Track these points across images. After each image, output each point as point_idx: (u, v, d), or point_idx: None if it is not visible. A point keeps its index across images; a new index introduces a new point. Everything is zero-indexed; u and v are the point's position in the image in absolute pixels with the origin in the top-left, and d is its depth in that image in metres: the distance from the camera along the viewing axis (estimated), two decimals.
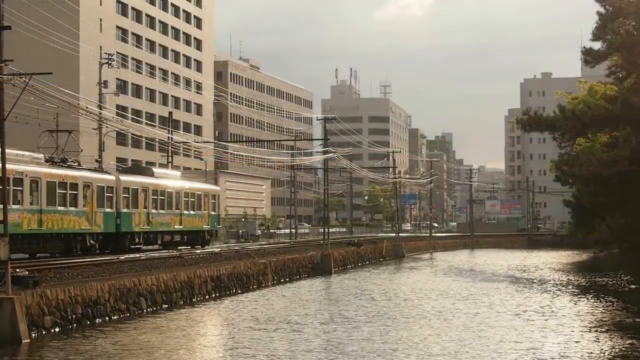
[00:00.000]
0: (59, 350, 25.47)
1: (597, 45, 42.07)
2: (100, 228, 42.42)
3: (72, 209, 39.92)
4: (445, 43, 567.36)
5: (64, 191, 39.45)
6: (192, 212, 52.43)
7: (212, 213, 55.67)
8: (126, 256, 40.53)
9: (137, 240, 46.46)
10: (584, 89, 57.46)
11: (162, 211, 48.62)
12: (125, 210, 44.72)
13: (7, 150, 35.78)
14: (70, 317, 29.18)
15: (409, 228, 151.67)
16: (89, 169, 45.37)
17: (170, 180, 51.67)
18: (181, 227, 51.13)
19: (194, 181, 60.90)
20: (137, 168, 57.21)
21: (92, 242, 42.23)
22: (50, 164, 40.19)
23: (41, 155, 40.35)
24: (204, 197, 54.50)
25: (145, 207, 46.69)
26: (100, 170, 49.20)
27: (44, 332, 27.49)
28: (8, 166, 32.95)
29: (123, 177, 45.99)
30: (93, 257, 39.20)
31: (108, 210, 43.13)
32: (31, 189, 36.86)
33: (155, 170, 53.03)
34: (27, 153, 39.16)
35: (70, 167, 41.61)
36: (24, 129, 66.95)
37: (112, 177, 44.86)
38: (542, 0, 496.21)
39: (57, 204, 38.73)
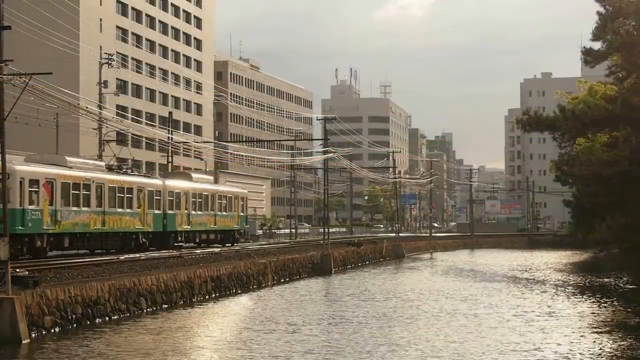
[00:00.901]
0: (58, 350, 25.46)
1: (597, 45, 42.09)
2: (150, 227, 47.42)
3: (128, 210, 45.07)
4: (445, 43, 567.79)
5: (122, 195, 44.52)
6: (224, 213, 57.53)
7: (241, 214, 60.76)
8: (126, 256, 40.66)
9: (179, 238, 51.50)
10: (584, 89, 57.37)
11: (200, 212, 53.66)
12: (170, 211, 49.71)
13: (75, 160, 43.72)
14: (70, 317, 29.13)
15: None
16: (140, 175, 50.88)
17: (205, 184, 57.35)
18: (216, 226, 56.20)
19: (225, 185, 66.49)
20: (178, 173, 61.95)
21: (143, 240, 46.99)
22: (109, 170, 45.47)
23: (103, 163, 46.44)
24: (234, 200, 59.48)
25: (186, 209, 51.70)
26: (148, 175, 54.04)
27: (44, 332, 27.44)
28: (79, 173, 40.90)
29: (168, 182, 50.86)
30: (93, 257, 39.40)
31: (156, 211, 48.19)
32: (96, 193, 41.79)
33: (193, 175, 58.75)
34: (90, 161, 45.37)
35: (125, 173, 47.40)
36: (24, 129, 66.82)
37: (160, 182, 50.01)
38: (542, 0, 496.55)
39: (116, 206, 43.80)
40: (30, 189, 36.24)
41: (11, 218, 33.23)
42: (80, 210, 40.00)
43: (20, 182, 35.61)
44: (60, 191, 38.38)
